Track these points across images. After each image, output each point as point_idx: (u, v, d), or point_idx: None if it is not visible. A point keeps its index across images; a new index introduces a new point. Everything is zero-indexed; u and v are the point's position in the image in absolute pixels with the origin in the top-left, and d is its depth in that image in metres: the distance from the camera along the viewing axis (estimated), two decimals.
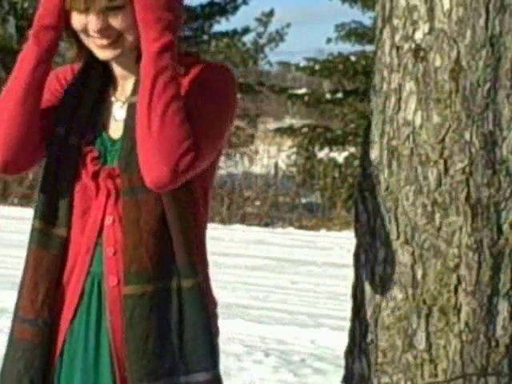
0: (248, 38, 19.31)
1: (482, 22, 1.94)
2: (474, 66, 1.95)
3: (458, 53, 1.95)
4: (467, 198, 1.96)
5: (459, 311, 1.97)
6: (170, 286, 1.76)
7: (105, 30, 1.79)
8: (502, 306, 2.00)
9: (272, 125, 23.08)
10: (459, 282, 1.97)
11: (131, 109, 1.81)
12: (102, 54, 1.82)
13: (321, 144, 16.56)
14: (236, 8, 18.76)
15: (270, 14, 18.88)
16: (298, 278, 7.94)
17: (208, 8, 18.35)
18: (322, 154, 16.68)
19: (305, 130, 16.89)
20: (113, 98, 1.89)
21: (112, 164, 1.83)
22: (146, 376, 1.74)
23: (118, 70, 1.89)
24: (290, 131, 17.22)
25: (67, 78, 1.94)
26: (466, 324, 1.98)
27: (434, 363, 1.99)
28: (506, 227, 1.99)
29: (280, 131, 17.72)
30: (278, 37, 19.01)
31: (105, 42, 1.80)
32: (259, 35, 19.10)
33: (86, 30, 1.81)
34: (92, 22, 1.78)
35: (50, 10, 1.81)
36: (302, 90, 17.45)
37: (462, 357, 1.98)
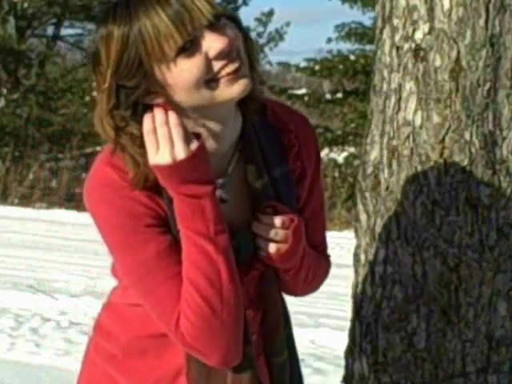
0: None
1: (481, 22, 1.94)
2: (474, 66, 1.95)
3: (458, 53, 1.95)
4: (467, 198, 1.96)
5: (459, 311, 1.97)
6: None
7: (230, 47, 1.43)
8: (502, 306, 2.00)
9: None
10: (459, 281, 1.97)
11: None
12: (238, 88, 1.44)
13: (321, 144, 16.56)
14: (236, 9, 18.76)
15: (270, 14, 18.87)
16: None
17: None
18: (322, 154, 16.68)
19: None
20: None
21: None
22: None
23: (210, 127, 1.51)
24: None
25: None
26: (466, 324, 1.98)
27: (433, 363, 1.99)
28: (505, 227, 1.99)
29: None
30: (278, 36, 18.99)
31: (237, 63, 1.43)
32: (259, 35, 19.10)
33: (208, 70, 1.42)
34: (214, 39, 1.41)
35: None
36: (302, 91, 17.44)
37: (462, 357, 1.98)
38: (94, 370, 1.69)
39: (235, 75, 1.43)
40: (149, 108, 1.48)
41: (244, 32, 1.51)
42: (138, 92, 1.45)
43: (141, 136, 1.46)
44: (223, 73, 1.43)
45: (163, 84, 1.45)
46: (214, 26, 1.42)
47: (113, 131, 1.46)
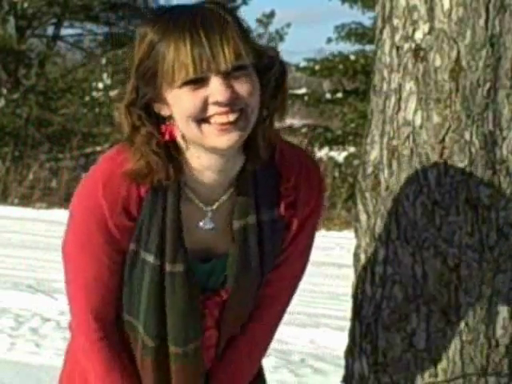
0: None
1: (481, 22, 1.94)
2: (474, 66, 1.95)
3: (458, 53, 1.95)
4: (467, 198, 1.96)
5: (459, 311, 1.97)
6: None
7: (232, 100, 1.44)
8: (502, 306, 2.00)
9: None
10: (459, 281, 1.97)
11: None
12: (227, 140, 1.45)
13: (320, 144, 16.54)
14: (236, 8, 18.75)
15: (271, 15, 18.87)
16: None
17: None
18: (322, 153, 16.66)
19: (304, 129, 16.87)
20: (197, 203, 1.58)
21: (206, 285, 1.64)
22: None
23: (205, 161, 1.52)
24: (290, 131, 17.20)
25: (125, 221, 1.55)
26: (466, 324, 1.98)
27: (433, 363, 1.99)
28: (505, 227, 1.99)
29: (280, 131, 17.62)
30: (278, 37, 18.99)
31: (232, 117, 1.44)
32: (260, 36, 19.09)
33: (203, 110, 1.44)
34: (218, 89, 1.42)
35: None
36: (302, 90, 17.44)
37: (462, 357, 1.98)
38: (76, 366, 1.74)
39: (229, 126, 1.45)
40: (160, 116, 1.51)
41: (277, 81, 1.53)
42: (148, 97, 1.49)
43: (156, 138, 1.49)
44: (217, 120, 1.45)
45: (166, 102, 1.49)
46: (228, 75, 1.43)
47: (128, 128, 1.50)
